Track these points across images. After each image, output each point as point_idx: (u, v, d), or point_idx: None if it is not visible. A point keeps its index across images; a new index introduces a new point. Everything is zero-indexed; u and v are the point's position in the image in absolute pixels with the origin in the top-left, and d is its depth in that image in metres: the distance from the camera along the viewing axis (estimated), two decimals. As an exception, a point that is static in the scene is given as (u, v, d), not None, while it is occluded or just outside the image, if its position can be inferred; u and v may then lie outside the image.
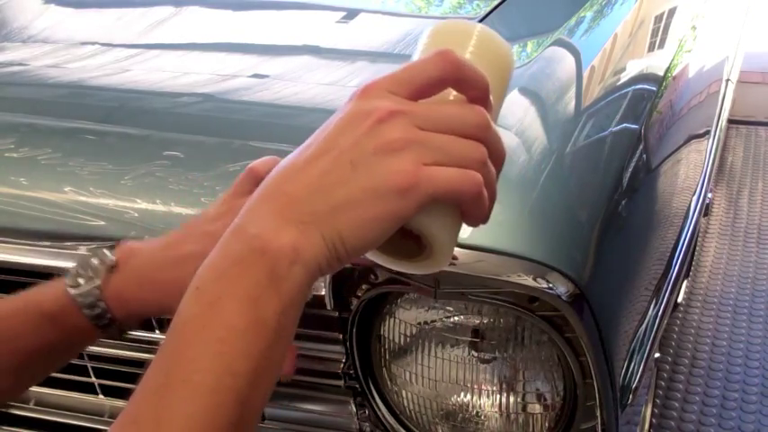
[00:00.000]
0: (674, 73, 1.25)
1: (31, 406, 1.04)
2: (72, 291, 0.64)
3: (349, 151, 0.51)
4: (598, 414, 0.80)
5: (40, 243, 0.90)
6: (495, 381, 0.82)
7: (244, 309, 0.47)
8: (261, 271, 0.48)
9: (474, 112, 0.51)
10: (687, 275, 2.05)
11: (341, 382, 0.88)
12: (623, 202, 0.89)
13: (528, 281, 0.73)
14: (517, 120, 0.90)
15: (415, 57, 0.57)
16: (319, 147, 0.53)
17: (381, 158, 0.50)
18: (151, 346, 0.93)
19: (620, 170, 0.91)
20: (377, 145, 0.50)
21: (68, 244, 0.89)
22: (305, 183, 0.51)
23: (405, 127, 0.51)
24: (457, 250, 0.74)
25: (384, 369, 0.86)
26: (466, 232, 0.75)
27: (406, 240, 0.53)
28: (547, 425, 0.84)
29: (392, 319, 0.83)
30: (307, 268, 0.49)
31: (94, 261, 0.65)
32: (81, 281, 0.64)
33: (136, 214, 0.87)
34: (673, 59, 1.26)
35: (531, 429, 0.84)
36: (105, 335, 0.66)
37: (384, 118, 0.52)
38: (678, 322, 2.07)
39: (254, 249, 0.48)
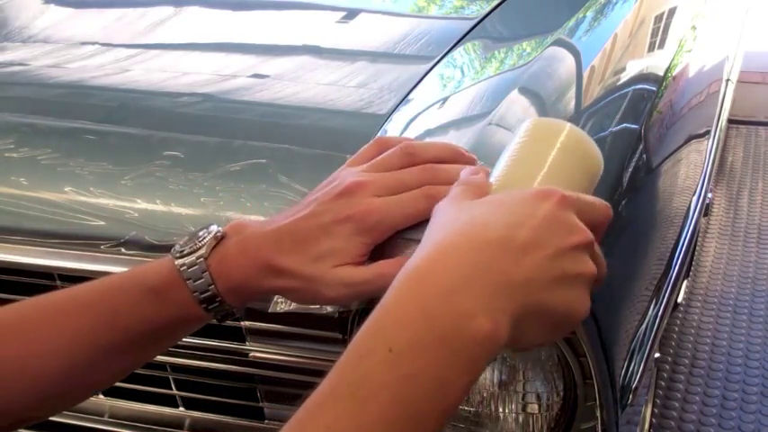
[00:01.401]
0: (674, 73, 1.25)
1: (31, 406, 1.04)
2: (177, 261, 0.62)
3: (560, 258, 0.51)
4: (598, 414, 0.80)
5: (40, 243, 0.90)
6: (495, 381, 0.82)
7: (434, 394, 0.46)
8: (463, 358, 0.47)
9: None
10: (687, 275, 2.05)
11: (341, 382, 0.87)
12: (623, 202, 0.89)
13: (528, 281, 0.73)
14: (517, 120, 0.90)
15: (510, 151, 0.60)
16: (531, 237, 0.51)
17: (576, 285, 0.52)
18: (151, 346, 0.93)
19: (620, 170, 0.91)
20: (578, 272, 0.52)
21: (68, 244, 0.89)
22: (527, 268, 0.50)
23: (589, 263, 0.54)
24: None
25: (384, 369, 0.85)
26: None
27: None
28: (547, 425, 0.83)
29: (392, 319, 0.83)
30: (493, 352, 0.48)
31: (201, 233, 0.64)
32: (186, 250, 0.63)
33: (136, 214, 0.87)
34: (673, 59, 1.26)
35: (531, 429, 0.84)
36: (208, 316, 0.63)
37: (586, 245, 0.54)
38: (678, 322, 2.07)
39: (465, 335, 0.47)
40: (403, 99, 0.97)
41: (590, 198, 0.57)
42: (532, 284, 0.49)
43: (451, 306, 0.47)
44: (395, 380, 0.46)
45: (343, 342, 0.85)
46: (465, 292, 0.48)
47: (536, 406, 0.83)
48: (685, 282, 2.04)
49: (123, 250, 0.87)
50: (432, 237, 0.52)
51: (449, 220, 0.53)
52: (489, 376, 0.83)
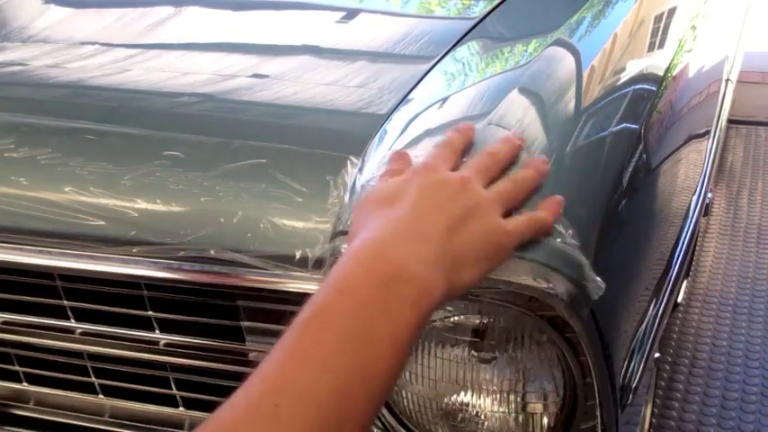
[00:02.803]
0: (674, 73, 1.25)
1: (31, 406, 1.04)
2: None
3: (450, 206, 0.66)
4: (598, 414, 0.80)
5: (40, 243, 0.90)
6: (495, 381, 0.82)
7: (380, 320, 0.56)
8: (407, 298, 0.58)
9: None
10: (687, 275, 2.05)
11: (341, 382, 0.88)
12: (623, 202, 0.89)
13: (528, 281, 0.73)
14: (517, 120, 0.90)
15: None
16: (428, 203, 0.67)
17: (476, 216, 0.67)
18: (151, 345, 0.93)
19: (620, 170, 0.91)
20: (467, 206, 0.68)
21: (68, 244, 0.89)
22: (434, 224, 0.64)
23: (473, 195, 0.69)
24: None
25: (384, 369, 0.86)
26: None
27: None
28: (547, 425, 0.84)
29: (392, 319, 0.83)
30: (429, 306, 0.60)
31: None
32: None
33: (136, 214, 0.87)
34: (673, 59, 1.26)
35: (531, 429, 0.84)
36: None
37: (462, 183, 0.69)
38: (678, 322, 2.07)
39: (402, 278, 0.59)
40: (403, 99, 0.97)
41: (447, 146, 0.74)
42: (443, 234, 0.62)
43: (388, 259, 0.60)
44: (346, 308, 0.56)
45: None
46: (396, 251, 0.60)
47: (536, 406, 0.83)
48: (685, 282, 2.04)
49: (123, 250, 0.87)
50: (369, 225, 0.65)
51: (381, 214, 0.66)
52: (489, 376, 0.83)
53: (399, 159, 0.76)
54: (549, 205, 0.73)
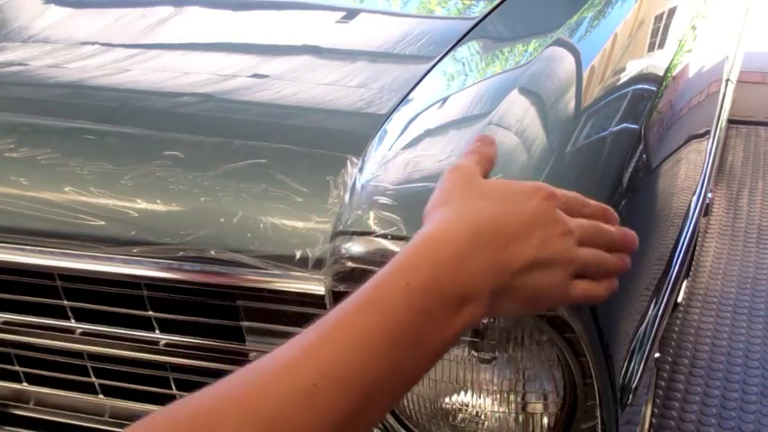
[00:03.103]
0: (674, 73, 1.25)
1: (31, 406, 1.04)
2: None
3: (542, 246, 0.62)
4: (598, 414, 0.80)
5: (40, 243, 0.90)
6: (495, 381, 0.82)
7: (431, 329, 0.56)
8: (452, 312, 0.57)
9: None
10: (687, 275, 2.05)
11: (341, 382, 0.87)
12: (623, 202, 0.89)
13: (528, 281, 0.73)
14: (517, 120, 0.90)
15: None
16: (518, 227, 0.62)
17: (555, 268, 0.63)
18: (151, 345, 0.93)
19: (620, 170, 0.91)
20: (556, 257, 0.63)
21: (68, 244, 0.89)
22: (512, 252, 0.61)
23: (569, 251, 0.65)
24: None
25: (384, 369, 0.85)
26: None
27: None
28: (547, 425, 0.84)
29: (392, 319, 0.83)
30: (473, 324, 0.59)
31: None
32: None
33: (136, 214, 0.87)
34: (673, 59, 1.26)
35: (531, 429, 0.84)
36: None
37: (565, 233, 0.64)
38: (678, 322, 2.07)
39: (455, 302, 0.57)
40: (403, 99, 0.97)
41: (573, 194, 0.68)
42: (515, 266, 0.60)
43: (454, 275, 0.57)
44: (405, 305, 0.55)
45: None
46: (464, 266, 0.58)
47: (536, 406, 0.83)
48: (685, 282, 2.04)
49: (123, 250, 0.87)
50: (441, 216, 0.62)
51: (456, 205, 0.63)
52: (489, 376, 0.83)
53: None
54: (612, 274, 0.69)
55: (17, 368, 1.02)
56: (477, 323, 0.62)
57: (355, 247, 0.77)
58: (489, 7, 1.26)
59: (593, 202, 0.69)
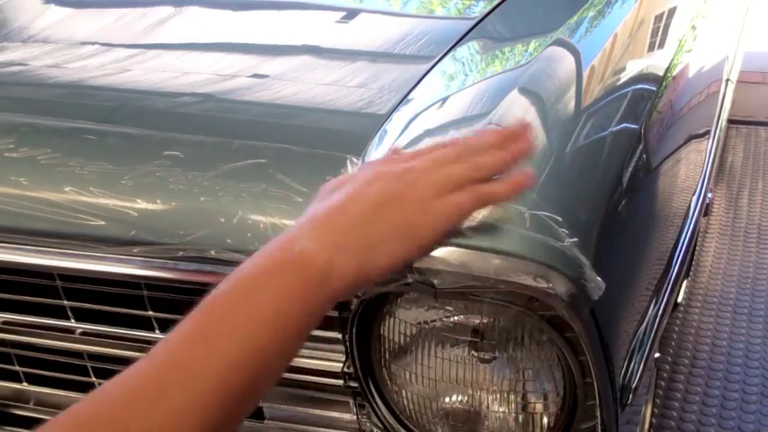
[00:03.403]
0: (674, 73, 1.25)
1: (31, 406, 1.04)
2: None
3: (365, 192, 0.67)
4: (598, 414, 0.80)
5: (40, 243, 0.90)
6: (495, 381, 0.82)
7: (275, 304, 0.59)
8: (296, 280, 0.60)
9: None
10: (687, 275, 2.05)
11: (341, 382, 0.88)
12: (623, 201, 0.89)
13: (528, 281, 0.73)
14: (517, 120, 0.90)
15: None
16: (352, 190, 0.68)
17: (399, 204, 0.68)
18: (151, 345, 0.93)
19: (620, 170, 0.91)
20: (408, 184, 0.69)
21: (68, 244, 0.89)
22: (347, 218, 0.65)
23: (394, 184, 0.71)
24: (457, 250, 0.74)
25: (384, 369, 0.86)
26: (465, 232, 0.75)
27: None
28: (547, 425, 0.84)
29: (392, 319, 0.83)
30: (332, 288, 0.61)
31: None
32: None
33: (136, 214, 0.87)
34: (673, 59, 1.26)
35: (531, 429, 0.84)
36: None
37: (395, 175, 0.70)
38: (678, 322, 2.07)
39: (296, 262, 0.61)
40: (403, 99, 0.98)
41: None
42: (357, 220, 0.64)
43: (288, 249, 0.62)
44: (235, 290, 0.59)
45: (344, 342, 0.85)
46: (300, 240, 0.62)
47: (536, 406, 0.83)
48: (685, 282, 2.04)
49: (123, 250, 0.87)
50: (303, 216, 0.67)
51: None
52: (489, 376, 0.83)
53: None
54: (508, 181, 0.73)
55: (17, 368, 1.02)
56: (345, 285, 0.63)
57: (355, 247, 0.77)
58: (489, 7, 1.26)
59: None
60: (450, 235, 0.71)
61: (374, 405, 0.88)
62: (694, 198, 1.29)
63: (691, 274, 2.21)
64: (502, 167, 0.73)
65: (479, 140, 0.75)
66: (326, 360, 0.87)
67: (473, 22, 1.21)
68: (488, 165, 0.72)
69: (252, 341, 0.57)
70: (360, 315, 0.82)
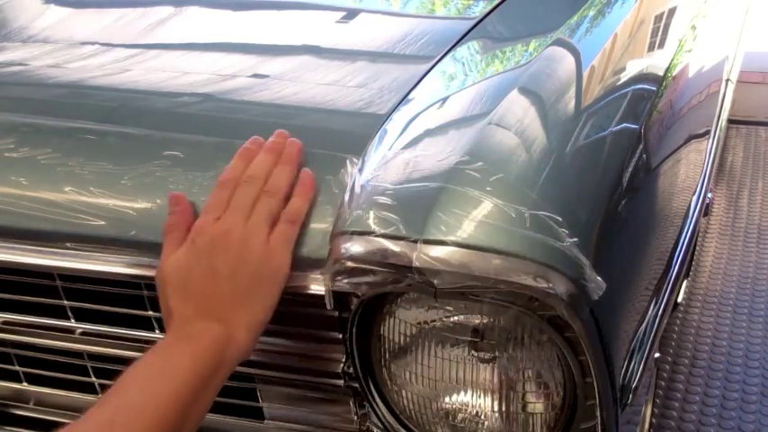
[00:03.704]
0: (674, 73, 1.25)
1: (31, 406, 1.04)
2: None
3: (201, 254, 0.81)
4: (598, 414, 0.80)
5: (40, 243, 0.90)
6: (495, 380, 0.82)
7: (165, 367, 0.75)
8: (193, 340, 0.75)
9: None
10: (687, 275, 2.05)
11: (341, 382, 0.88)
12: (623, 201, 0.89)
13: (528, 281, 0.73)
14: (517, 120, 0.90)
15: None
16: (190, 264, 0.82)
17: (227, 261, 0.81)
18: (151, 345, 0.93)
19: (619, 170, 0.91)
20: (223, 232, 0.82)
21: (68, 244, 0.89)
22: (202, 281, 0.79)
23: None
24: (457, 250, 0.74)
25: (384, 369, 0.86)
26: (465, 232, 0.75)
27: None
28: (547, 424, 0.84)
29: (392, 319, 0.83)
30: (237, 352, 0.77)
31: None
32: None
33: (136, 214, 0.87)
34: (673, 59, 1.26)
35: (531, 429, 0.84)
36: None
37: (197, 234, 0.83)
38: (678, 322, 2.07)
39: (187, 330, 0.76)
40: (403, 99, 0.98)
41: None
42: (206, 289, 0.78)
43: (178, 314, 0.78)
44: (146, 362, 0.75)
45: (344, 342, 0.85)
46: (186, 323, 0.77)
47: (536, 406, 0.83)
48: (685, 282, 2.04)
49: (123, 250, 0.87)
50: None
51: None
52: (489, 376, 0.83)
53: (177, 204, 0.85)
54: (300, 191, 0.83)
55: (17, 368, 1.02)
56: (226, 345, 0.76)
57: (355, 246, 0.77)
58: (489, 7, 1.26)
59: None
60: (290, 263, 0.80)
61: (374, 405, 0.88)
62: (694, 198, 1.29)
63: (691, 274, 2.21)
64: (292, 179, 0.83)
65: (260, 166, 0.84)
66: (326, 360, 0.87)
67: (473, 22, 1.21)
68: (282, 185, 0.82)
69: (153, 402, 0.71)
70: (360, 315, 0.82)
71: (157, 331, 0.92)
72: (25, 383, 1.03)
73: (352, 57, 1.15)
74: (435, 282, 0.74)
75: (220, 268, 0.77)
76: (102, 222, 0.88)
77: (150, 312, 0.91)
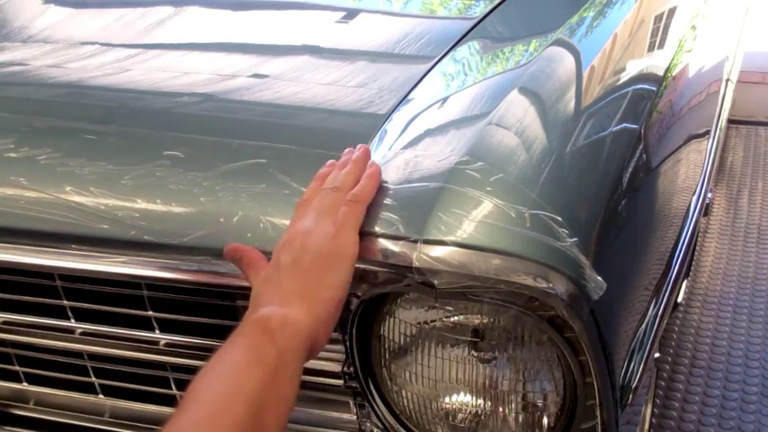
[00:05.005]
0: (674, 73, 1.25)
1: (31, 406, 1.04)
2: None
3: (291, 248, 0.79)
4: (598, 414, 0.80)
5: (40, 243, 0.90)
6: (495, 381, 0.82)
7: (251, 357, 0.70)
8: (258, 331, 0.72)
9: None
10: (687, 275, 2.05)
11: (341, 382, 0.88)
12: (623, 201, 0.89)
13: (528, 281, 0.73)
14: (517, 120, 0.90)
15: None
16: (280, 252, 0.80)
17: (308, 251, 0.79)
18: (151, 345, 0.93)
19: (619, 170, 0.91)
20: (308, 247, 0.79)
21: (68, 244, 0.89)
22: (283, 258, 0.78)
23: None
24: (457, 250, 0.74)
25: (384, 369, 0.86)
26: (465, 232, 0.75)
27: None
28: (547, 425, 0.84)
29: (392, 319, 0.83)
30: (295, 330, 0.72)
31: None
32: None
33: (136, 214, 0.87)
34: (673, 59, 1.26)
35: (531, 429, 0.84)
36: None
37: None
38: (678, 322, 2.07)
39: (259, 323, 0.73)
40: (403, 99, 0.98)
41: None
42: (286, 275, 0.76)
43: (256, 302, 0.76)
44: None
45: (344, 342, 0.85)
46: (262, 308, 0.74)
47: (536, 406, 0.83)
48: (685, 282, 2.04)
49: (123, 250, 0.87)
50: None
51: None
52: (489, 376, 0.83)
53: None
54: (368, 175, 0.82)
55: (17, 368, 1.02)
56: (301, 329, 0.72)
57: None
58: (489, 7, 1.26)
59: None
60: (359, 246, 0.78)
61: (374, 405, 0.88)
62: (694, 198, 1.29)
63: (691, 274, 2.21)
64: (357, 175, 0.82)
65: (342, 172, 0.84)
66: (326, 360, 0.87)
67: (473, 22, 1.21)
68: (347, 179, 0.81)
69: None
70: (360, 315, 0.82)
71: (157, 331, 0.92)
72: (25, 383, 1.03)
73: (352, 57, 1.15)
74: (435, 282, 0.74)
75: (284, 261, 0.77)
76: (102, 222, 0.88)
77: (150, 312, 0.91)
